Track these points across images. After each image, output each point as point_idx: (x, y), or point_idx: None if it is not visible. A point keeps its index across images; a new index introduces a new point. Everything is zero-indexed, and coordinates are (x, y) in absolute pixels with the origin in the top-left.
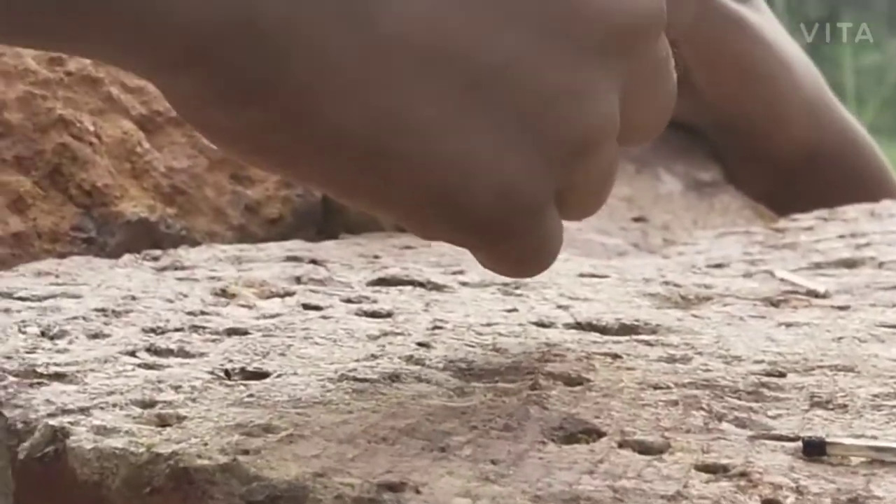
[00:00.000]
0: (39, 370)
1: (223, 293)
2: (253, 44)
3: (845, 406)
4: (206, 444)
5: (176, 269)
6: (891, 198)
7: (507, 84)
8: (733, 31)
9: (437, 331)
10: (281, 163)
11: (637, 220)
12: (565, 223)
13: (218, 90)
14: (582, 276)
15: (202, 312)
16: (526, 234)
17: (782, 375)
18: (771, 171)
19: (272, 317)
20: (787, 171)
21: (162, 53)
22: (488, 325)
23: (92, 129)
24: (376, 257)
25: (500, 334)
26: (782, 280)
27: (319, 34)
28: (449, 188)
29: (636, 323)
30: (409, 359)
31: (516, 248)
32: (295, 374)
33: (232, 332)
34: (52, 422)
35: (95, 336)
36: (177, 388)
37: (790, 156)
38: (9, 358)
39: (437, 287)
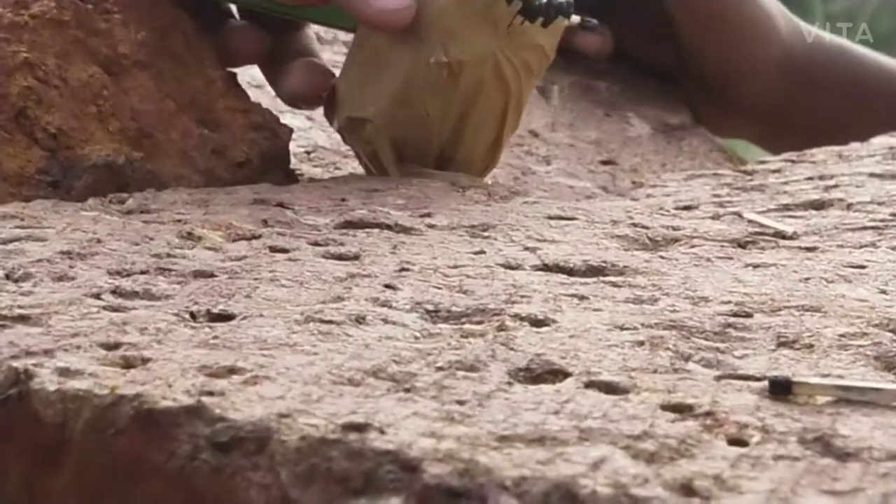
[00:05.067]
0: (3, 312)
1: (189, 236)
2: None
3: (812, 346)
4: (170, 386)
5: (142, 212)
6: (886, 79)
7: None
8: None
9: (403, 273)
10: None
11: (606, 163)
12: (536, 167)
13: None
14: (550, 218)
15: (168, 255)
16: None
17: (749, 316)
18: (747, 115)
19: (238, 259)
20: (762, 111)
21: None
22: (455, 267)
23: (57, 72)
24: (344, 200)
25: (468, 276)
26: (750, 221)
27: None
28: None
29: (604, 264)
30: (376, 301)
31: None
32: (261, 316)
33: (198, 274)
34: (15, 364)
35: (60, 279)
36: (142, 330)
37: (763, 102)
38: None
39: (405, 230)
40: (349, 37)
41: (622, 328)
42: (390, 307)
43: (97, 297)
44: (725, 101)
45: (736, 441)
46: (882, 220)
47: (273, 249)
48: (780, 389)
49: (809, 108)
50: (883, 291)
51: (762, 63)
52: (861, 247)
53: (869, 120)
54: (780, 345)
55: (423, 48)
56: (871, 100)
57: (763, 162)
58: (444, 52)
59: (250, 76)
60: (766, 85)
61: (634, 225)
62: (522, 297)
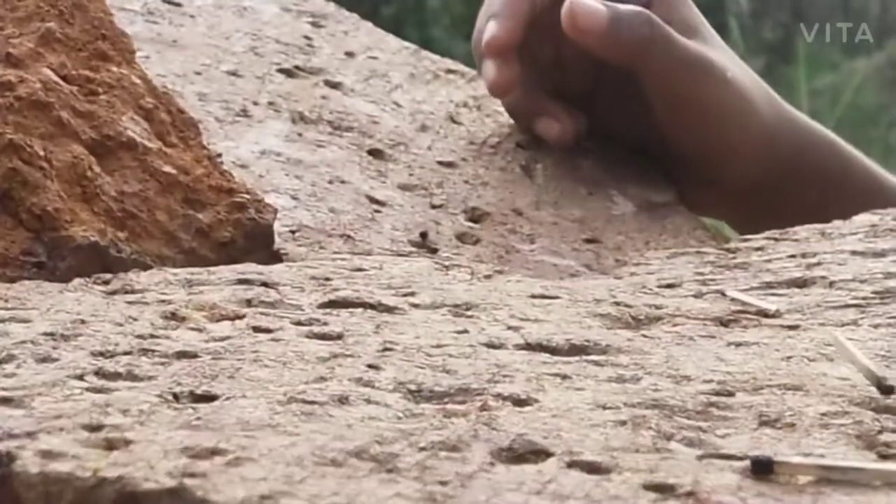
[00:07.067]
0: None
1: (173, 316)
2: None
3: (793, 425)
4: (152, 468)
5: (126, 292)
6: (868, 184)
7: None
8: (700, 75)
9: (387, 353)
10: None
11: (589, 241)
12: (520, 245)
13: None
14: (533, 297)
15: (151, 336)
16: None
17: (731, 395)
18: (727, 195)
19: (222, 340)
20: (742, 193)
21: None
22: (438, 346)
23: (42, 153)
24: (327, 279)
25: (450, 356)
26: (733, 300)
27: None
28: None
29: (586, 343)
30: (359, 381)
31: None
32: (244, 396)
33: (181, 355)
34: None
35: (44, 360)
36: (124, 412)
37: (745, 180)
38: None
39: (388, 309)
40: None
41: (605, 407)
42: (373, 387)
43: (80, 378)
44: (705, 181)
45: None
46: (864, 298)
47: (256, 329)
48: (762, 469)
49: (790, 196)
50: None
51: (741, 146)
52: (843, 325)
53: (847, 216)
54: (762, 424)
55: None
56: (852, 199)
57: (746, 240)
58: None
59: (235, 156)
60: (745, 168)
61: (617, 303)
62: (505, 376)
